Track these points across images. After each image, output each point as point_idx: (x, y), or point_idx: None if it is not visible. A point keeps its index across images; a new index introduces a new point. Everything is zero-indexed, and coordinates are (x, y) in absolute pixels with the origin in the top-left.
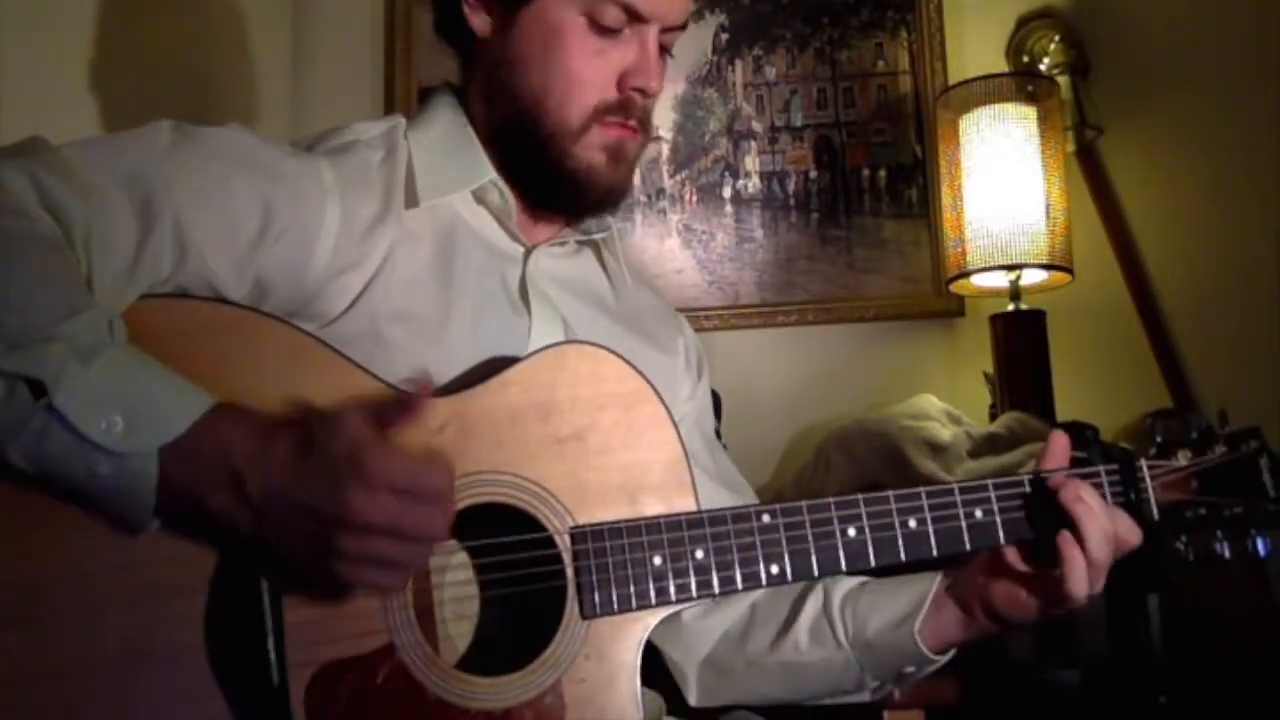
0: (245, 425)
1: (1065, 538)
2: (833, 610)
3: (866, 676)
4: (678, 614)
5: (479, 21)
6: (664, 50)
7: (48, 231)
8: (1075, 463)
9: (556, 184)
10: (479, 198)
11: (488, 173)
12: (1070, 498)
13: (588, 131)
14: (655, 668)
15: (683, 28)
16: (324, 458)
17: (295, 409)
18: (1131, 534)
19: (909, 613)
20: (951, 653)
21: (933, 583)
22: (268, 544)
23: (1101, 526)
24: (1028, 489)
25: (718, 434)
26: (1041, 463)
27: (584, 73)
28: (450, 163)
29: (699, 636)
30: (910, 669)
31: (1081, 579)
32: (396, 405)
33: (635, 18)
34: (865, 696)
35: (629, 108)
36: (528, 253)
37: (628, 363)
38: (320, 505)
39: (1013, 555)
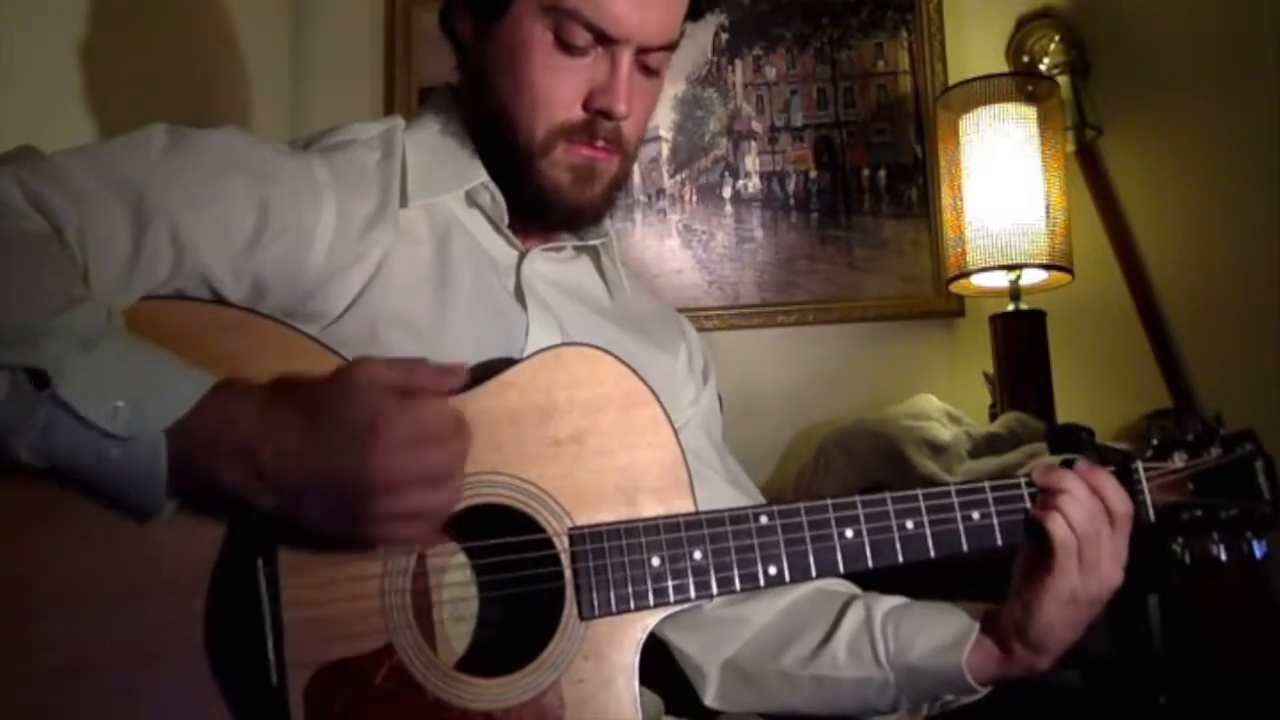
0: (249, 398)
1: (1051, 520)
2: (874, 628)
3: (903, 699)
4: (698, 608)
5: (463, 27)
6: (649, 70)
7: (39, 228)
8: (1071, 465)
9: (526, 196)
10: (472, 200)
11: (479, 175)
12: (1050, 482)
13: (553, 149)
14: (654, 668)
15: (670, 48)
16: (341, 426)
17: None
18: (1120, 501)
19: (958, 639)
20: (990, 688)
21: (978, 613)
22: (288, 517)
23: (1084, 504)
24: (1024, 490)
25: None
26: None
27: (548, 90)
28: (443, 164)
29: (725, 633)
30: (949, 696)
31: (1072, 563)
32: (408, 369)
33: (603, 39)
34: (896, 718)
35: (594, 129)
36: (522, 256)
37: (625, 364)
38: (347, 475)
39: (1032, 560)
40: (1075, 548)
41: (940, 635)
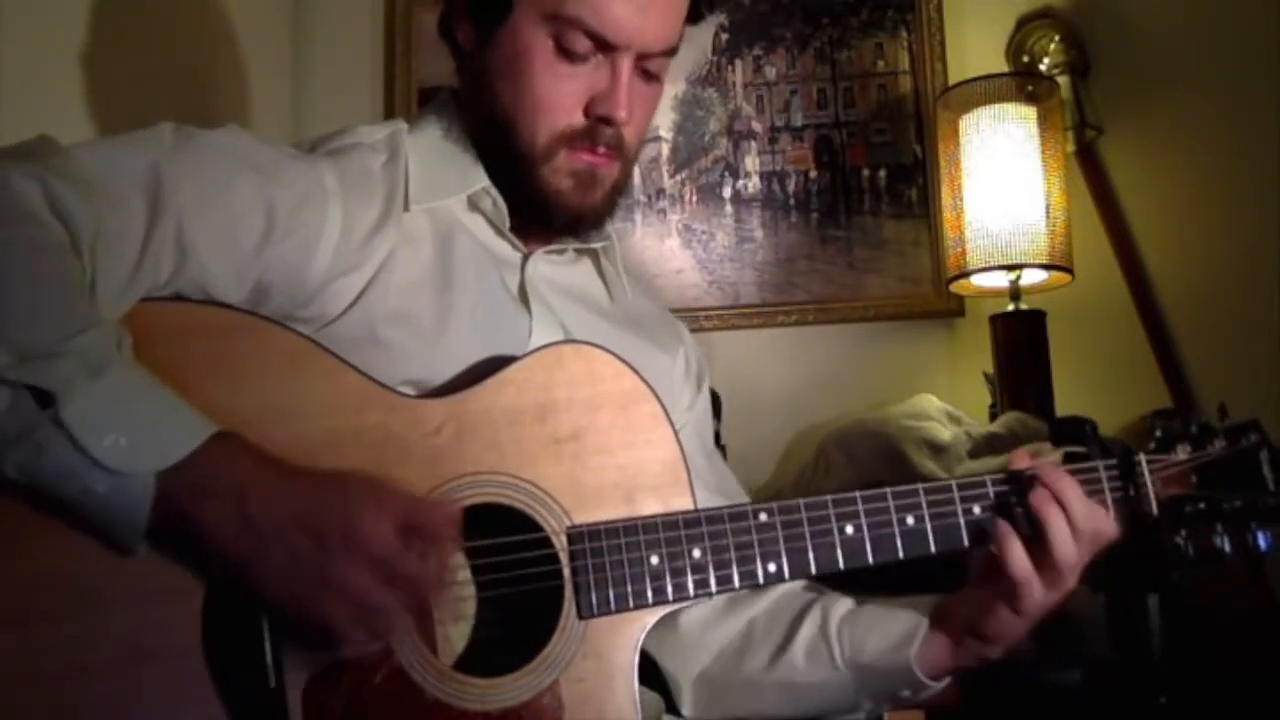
0: (257, 453)
1: (1004, 538)
2: (830, 631)
3: (862, 698)
4: (674, 625)
5: (463, 34)
6: (649, 76)
7: (57, 239)
8: (1074, 458)
9: (528, 202)
10: (474, 204)
11: (481, 180)
12: (1041, 499)
13: (555, 156)
14: (654, 668)
15: (670, 54)
16: (341, 487)
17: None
18: (1106, 527)
19: (906, 637)
20: (947, 680)
21: (928, 608)
22: (249, 564)
23: (1071, 526)
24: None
25: (717, 435)
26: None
27: (549, 97)
28: (445, 168)
29: (696, 650)
30: (906, 693)
31: (1029, 579)
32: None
33: (604, 45)
34: (860, 717)
35: (596, 135)
36: (525, 258)
37: (625, 362)
38: (326, 525)
39: (991, 564)
40: (1026, 566)
41: (889, 634)
